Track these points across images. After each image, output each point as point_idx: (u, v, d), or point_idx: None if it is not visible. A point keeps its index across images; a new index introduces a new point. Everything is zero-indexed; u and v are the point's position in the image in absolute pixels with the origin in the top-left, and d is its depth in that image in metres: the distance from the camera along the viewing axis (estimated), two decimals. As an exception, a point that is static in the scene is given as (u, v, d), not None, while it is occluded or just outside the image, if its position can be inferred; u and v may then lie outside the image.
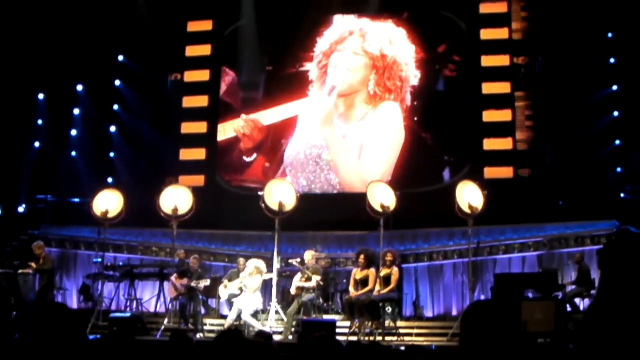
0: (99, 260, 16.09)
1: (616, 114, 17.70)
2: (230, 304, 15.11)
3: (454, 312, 16.69)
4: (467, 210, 14.41)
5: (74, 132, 20.17)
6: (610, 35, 17.92)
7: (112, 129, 20.27)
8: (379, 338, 13.44)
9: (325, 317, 15.00)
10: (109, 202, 15.36)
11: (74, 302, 17.40)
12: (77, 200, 18.77)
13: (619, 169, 17.51)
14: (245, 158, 19.35)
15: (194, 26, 20.50)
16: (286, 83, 19.42)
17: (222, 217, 18.07)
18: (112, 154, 20.28)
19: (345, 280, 15.80)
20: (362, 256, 14.41)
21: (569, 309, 14.06)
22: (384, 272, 14.12)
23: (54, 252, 17.65)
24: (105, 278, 16.02)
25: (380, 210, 14.69)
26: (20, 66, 18.67)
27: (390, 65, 18.53)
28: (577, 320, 13.26)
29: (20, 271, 14.90)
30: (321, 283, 14.82)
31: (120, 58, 20.31)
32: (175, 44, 20.13)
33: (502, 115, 18.39)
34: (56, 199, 19.16)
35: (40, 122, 19.93)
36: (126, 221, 15.97)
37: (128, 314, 15.04)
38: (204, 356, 4.22)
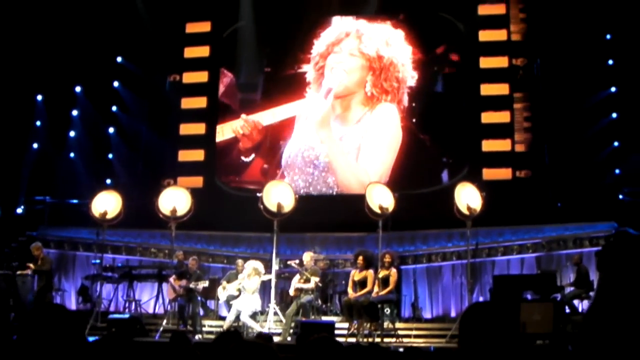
0: (98, 261, 16.09)
1: (614, 115, 17.70)
2: (228, 305, 15.11)
3: (453, 314, 16.69)
4: (465, 211, 14.42)
5: (72, 133, 20.16)
6: (608, 36, 17.93)
7: (111, 130, 20.26)
8: (378, 339, 13.43)
9: (324, 318, 15.00)
10: (107, 203, 15.36)
11: (72, 303, 17.38)
12: (75, 201, 18.76)
13: (617, 171, 17.51)
14: (243, 158, 19.34)
15: (192, 27, 20.49)
16: (285, 84, 19.41)
17: (221, 219, 18.06)
18: (110, 155, 20.27)
19: (343, 282, 15.80)
20: (360, 257, 14.40)
21: (567, 310, 14.06)
22: (382, 273, 14.12)
23: (53, 253, 17.64)
24: (103, 279, 16.01)
25: (378, 211, 14.68)
26: (19, 67, 18.66)
27: (386, 67, 18.53)
28: (575, 321, 13.26)
29: (18, 272, 14.90)
30: (320, 284, 14.81)
31: (119, 59, 20.30)
32: (173, 45, 20.13)
33: (501, 117, 18.40)
34: (54, 200, 19.16)
35: (38, 123, 19.93)
36: (125, 222, 15.96)
37: (126, 315, 15.04)
38: (203, 357, 4.22)
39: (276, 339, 13.15)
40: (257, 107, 19.56)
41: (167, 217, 15.29)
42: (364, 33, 18.86)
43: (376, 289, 13.99)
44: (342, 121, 18.57)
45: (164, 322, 14.76)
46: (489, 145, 18.30)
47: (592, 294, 14.19)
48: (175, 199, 15.43)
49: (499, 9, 18.95)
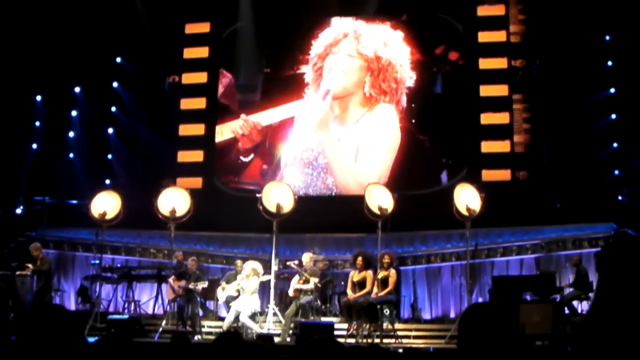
0: (97, 261, 16.08)
1: (614, 116, 17.71)
2: (228, 305, 15.10)
3: (452, 315, 16.68)
4: (464, 212, 14.42)
5: (71, 134, 20.16)
6: (607, 37, 17.93)
7: (110, 130, 20.25)
8: (377, 340, 13.42)
9: (323, 319, 14.99)
10: (106, 204, 15.37)
11: (71, 304, 17.37)
12: (74, 201, 18.74)
13: (616, 172, 17.51)
14: (242, 158, 19.33)
15: (191, 28, 20.49)
16: (284, 85, 19.41)
17: (220, 219, 18.05)
18: (109, 156, 20.26)
19: (343, 282, 15.80)
20: (359, 258, 14.39)
21: (566, 311, 14.05)
22: (381, 274, 14.12)
23: (52, 253, 17.63)
24: (103, 280, 16.00)
25: (378, 212, 14.68)
26: (18, 68, 18.65)
27: (385, 67, 18.53)
28: (575, 322, 13.26)
29: (18, 273, 14.89)
30: (319, 285, 14.81)
31: (118, 60, 20.29)
32: (172, 45, 20.13)
33: (500, 118, 18.41)
34: (54, 200, 19.14)
35: (37, 123, 19.93)
36: (124, 223, 15.96)
37: (126, 316, 15.02)
38: (203, 358, 4.22)
39: (275, 339, 13.14)
40: (256, 108, 19.56)
41: (167, 217, 15.29)
42: (362, 34, 18.87)
43: (375, 289, 13.98)
44: (341, 122, 18.58)
45: (163, 322, 14.78)
46: (488, 146, 18.30)
47: (591, 295, 14.19)
48: (174, 200, 15.43)
49: (498, 10, 18.96)
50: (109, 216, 15.28)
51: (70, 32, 18.92)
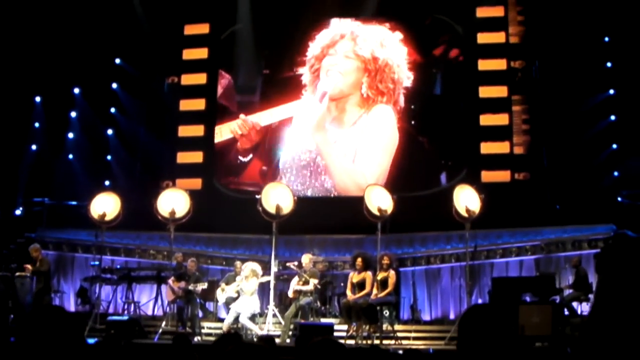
0: (96, 263, 16.05)
1: (613, 118, 17.71)
2: (227, 307, 15.09)
3: (452, 316, 16.69)
4: (464, 213, 14.43)
5: (70, 135, 20.14)
6: (606, 39, 17.93)
7: (109, 131, 20.24)
8: (377, 342, 13.42)
9: (323, 320, 14.98)
10: (106, 205, 15.38)
11: (71, 305, 17.36)
12: (74, 203, 18.72)
13: (615, 173, 17.51)
14: (241, 158, 19.32)
15: (190, 29, 20.48)
16: (283, 86, 19.40)
17: (220, 220, 18.05)
18: (109, 157, 20.25)
19: (342, 284, 15.79)
20: (359, 259, 14.39)
21: (566, 312, 14.07)
22: (380, 275, 14.12)
23: (51, 254, 17.63)
24: (102, 281, 15.98)
25: (377, 213, 14.69)
26: (17, 69, 18.65)
27: (382, 68, 18.52)
28: (574, 324, 13.27)
29: (17, 274, 14.88)
30: (318, 286, 14.81)
31: (117, 61, 20.28)
32: (172, 47, 20.13)
33: (499, 119, 18.42)
34: (53, 201, 19.12)
35: (37, 124, 19.91)
36: (123, 224, 15.95)
37: (125, 317, 15.00)
38: (203, 359, 4.23)
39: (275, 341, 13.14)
40: (255, 109, 19.55)
41: (166, 218, 15.31)
42: (359, 35, 18.85)
43: (375, 291, 13.98)
44: (338, 123, 18.56)
45: (163, 323, 14.77)
46: (487, 148, 18.30)
47: (591, 296, 14.20)
48: (174, 201, 15.44)
49: (497, 12, 18.97)
50: (108, 217, 15.29)
51: (70, 33, 18.92)
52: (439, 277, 17.37)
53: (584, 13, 17.55)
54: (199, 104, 20.03)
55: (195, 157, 19.77)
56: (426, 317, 16.94)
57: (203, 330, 15.04)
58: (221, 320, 15.45)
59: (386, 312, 14.16)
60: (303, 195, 17.90)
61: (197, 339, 14.11)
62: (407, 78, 18.60)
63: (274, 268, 14.97)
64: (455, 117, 18.64)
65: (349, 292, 14.38)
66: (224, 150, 19.63)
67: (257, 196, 15.46)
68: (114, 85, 20.27)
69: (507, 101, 18.48)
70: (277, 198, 15.16)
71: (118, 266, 17.50)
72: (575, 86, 17.66)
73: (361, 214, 14.87)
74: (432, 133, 18.70)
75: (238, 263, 15.67)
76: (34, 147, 19.81)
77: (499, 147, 18.32)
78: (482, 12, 19.01)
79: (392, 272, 14.22)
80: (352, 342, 13.45)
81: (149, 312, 16.70)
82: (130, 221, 16.44)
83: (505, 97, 18.49)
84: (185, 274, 15.24)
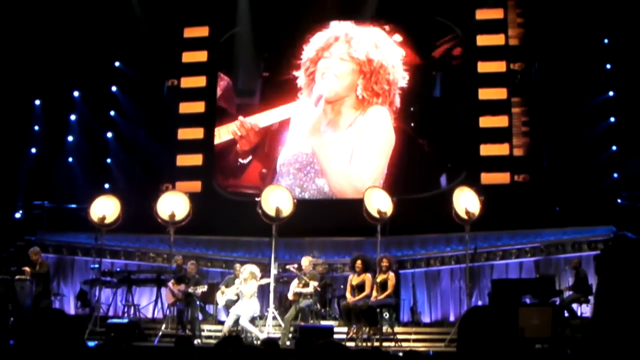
0: (96, 266, 16.05)
1: (612, 119, 17.72)
2: (227, 309, 15.09)
3: (452, 318, 16.70)
4: (464, 215, 14.43)
5: (70, 138, 20.13)
6: (606, 41, 17.93)
7: (109, 134, 20.22)
8: (376, 344, 13.41)
9: (323, 322, 14.99)
10: (105, 208, 15.37)
11: (71, 308, 17.36)
12: (73, 206, 18.73)
13: (615, 175, 17.52)
14: (240, 160, 19.32)
15: (190, 32, 20.47)
16: (283, 89, 19.39)
17: (219, 223, 18.04)
18: (108, 160, 20.24)
19: (342, 286, 15.78)
20: (358, 261, 14.39)
21: (566, 314, 14.06)
22: (380, 277, 14.11)
23: (51, 258, 17.63)
24: (102, 284, 15.97)
25: (377, 215, 14.69)
26: (17, 72, 18.64)
27: (377, 69, 18.52)
28: (574, 325, 13.27)
29: (17, 277, 14.87)
30: (318, 289, 14.81)
31: (117, 64, 20.27)
32: (171, 50, 20.12)
33: (499, 121, 18.43)
34: (53, 204, 19.12)
35: (36, 127, 19.90)
36: (123, 227, 15.97)
37: (125, 320, 15.00)
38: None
39: (275, 343, 13.13)
40: (255, 111, 19.54)
41: (166, 221, 15.30)
42: (353, 37, 18.83)
43: (375, 293, 13.98)
44: (334, 126, 18.54)
45: (163, 326, 14.78)
46: (487, 150, 18.31)
47: (591, 298, 14.20)
48: (173, 204, 15.43)
49: (496, 14, 18.99)
50: (108, 220, 15.29)
51: (69, 36, 18.92)
52: (438, 279, 17.38)
53: (584, 15, 17.56)
54: (198, 107, 20.02)
55: (194, 159, 19.77)
56: (426, 319, 16.94)
57: (203, 333, 15.05)
58: (221, 322, 15.45)
59: (386, 315, 14.16)
60: (300, 198, 17.89)
61: (197, 341, 14.08)
62: (402, 78, 18.59)
63: (273, 270, 14.96)
64: (455, 119, 18.66)
65: (348, 295, 14.37)
66: (223, 153, 19.62)
67: (256, 199, 15.45)
68: (114, 88, 20.26)
69: (507, 103, 18.49)
70: (276, 200, 15.16)
71: (118, 269, 17.51)
72: (575, 88, 17.67)
73: (361, 216, 14.88)
74: (432, 135, 18.71)
75: (237, 266, 15.66)
76: (33, 150, 19.80)
77: (499, 149, 18.32)
78: (481, 14, 19.02)
79: (391, 274, 14.21)
80: (352, 344, 13.43)
81: (149, 315, 16.69)
82: (130, 224, 16.46)
83: (504, 99, 18.49)
84: (185, 276, 15.24)
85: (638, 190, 16.80)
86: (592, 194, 17.09)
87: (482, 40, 18.87)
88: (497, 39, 18.84)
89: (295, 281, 14.94)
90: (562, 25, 17.77)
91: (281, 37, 19.90)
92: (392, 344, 13.79)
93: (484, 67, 18.69)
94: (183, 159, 19.82)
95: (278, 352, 6.14)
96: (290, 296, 14.89)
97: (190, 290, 14.78)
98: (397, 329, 14.52)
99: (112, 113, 20.28)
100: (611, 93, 17.82)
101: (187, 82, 20.28)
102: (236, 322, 14.28)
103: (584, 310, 14.68)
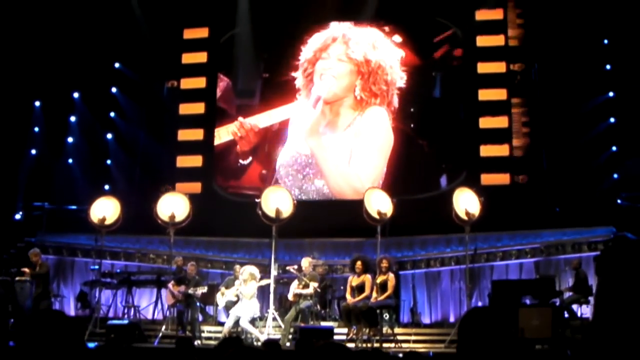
0: (96, 267, 16.06)
1: (612, 120, 17.72)
2: (227, 311, 15.08)
3: (452, 319, 16.69)
4: (464, 216, 14.43)
5: (70, 139, 20.14)
6: (606, 41, 17.93)
7: (109, 136, 20.23)
8: (376, 345, 13.41)
9: (323, 323, 14.98)
10: (105, 209, 15.37)
11: (71, 309, 17.37)
12: (73, 207, 18.71)
13: (615, 175, 17.52)
14: (240, 161, 19.32)
15: (190, 33, 20.47)
16: (283, 89, 19.38)
17: (219, 224, 18.04)
18: (108, 161, 20.24)
19: (342, 287, 15.77)
20: (358, 262, 14.38)
21: (566, 315, 14.06)
22: (380, 278, 14.11)
23: (51, 259, 17.65)
24: (102, 285, 15.99)
25: (377, 216, 14.69)
26: (17, 73, 18.65)
27: (375, 70, 18.51)
28: (574, 326, 13.26)
29: (17, 278, 14.87)
30: (318, 290, 14.80)
31: (117, 65, 20.27)
32: (171, 51, 20.12)
33: (498, 122, 18.42)
34: (53, 206, 19.10)
35: (36, 129, 19.91)
36: (123, 228, 15.96)
37: (125, 321, 15.01)
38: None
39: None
40: (255, 112, 19.54)
41: (166, 222, 15.30)
42: (351, 38, 18.82)
43: (374, 294, 13.97)
44: (333, 127, 18.53)
45: (163, 328, 14.77)
46: (487, 150, 18.31)
47: (591, 298, 14.19)
48: (173, 205, 15.43)
49: (496, 15, 18.98)
50: (108, 221, 15.29)
51: (69, 37, 18.92)
52: (438, 280, 17.38)
53: (583, 15, 17.56)
54: (198, 108, 20.02)
55: (194, 161, 19.77)
56: (426, 320, 16.94)
57: (203, 334, 15.03)
58: (221, 324, 15.44)
59: (386, 315, 14.16)
60: (299, 199, 17.89)
61: (197, 342, 14.07)
62: (400, 78, 18.58)
63: (273, 271, 14.96)
64: (455, 120, 18.66)
65: (348, 296, 14.37)
66: (223, 154, 19.62)
67: (256, 200, 15.45)
68: (114, 90, 20.26)
69: (507, 104, 18.49)
70: (277, 202, 15.16)
71: (118, 270, 17.52)
72: (575, 89, 17.67)
73: (361, 217, 14.88)
74: (432, 136, 18.71)
75: (237, 267, 15.65)
76: (33, 151, 19.81)
77: (499, 150, 18.32)
78: (481, 15, 19.02)
79: (391, 275, 14.21)
80: (352, 345, 13.43)
81: (149, 316, 16.71)
82: (130, 225, 16.46)
83: (504, 100, 18.49)
84: (185, 277, 15.23)
85: (638, 191, 16.80)
86: (592, 194, 17.09)
87: (482, 40, 18.86)
88: (497, 40, 18.84)
89: (295, 282, 14.94)
90: (562, 26, 17.77)
91: (281, 37, 19.90)
92: (392, 345, 13.79)
93: (483, 67, 18.69)
94: (183, 160, 19.82)
95: (279, 353, 6.14)
96: (290, 297, 14.89)
97: (190, 291, 14.77)
98: (397, 330, 14.51)
99: (112, 114, 20.29)
100: (611, 94, 17.83)
101: (187, 83, 20.28)
102: (236, 323, 14.28)
103: (584, 311, 14.68)
